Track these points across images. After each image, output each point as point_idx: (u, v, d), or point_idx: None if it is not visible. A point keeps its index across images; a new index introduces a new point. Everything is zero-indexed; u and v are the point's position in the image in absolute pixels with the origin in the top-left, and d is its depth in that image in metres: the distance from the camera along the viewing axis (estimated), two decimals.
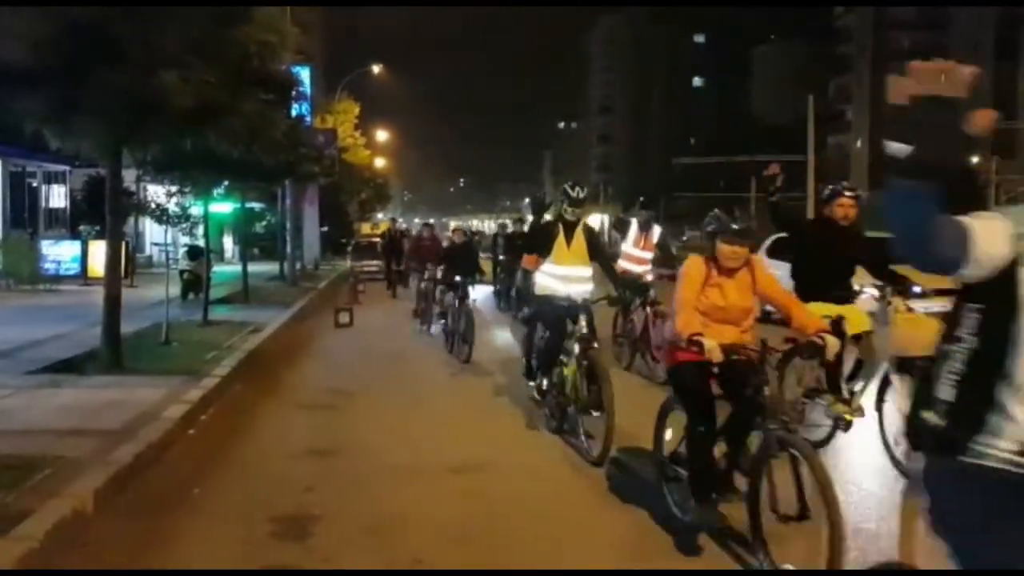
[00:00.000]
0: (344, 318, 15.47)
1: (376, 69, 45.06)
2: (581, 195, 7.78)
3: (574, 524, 5.30)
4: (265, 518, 5.25)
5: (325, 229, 40.11)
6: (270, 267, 27.33)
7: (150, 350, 10.70)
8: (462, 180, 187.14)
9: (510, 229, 18.91)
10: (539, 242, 8.01)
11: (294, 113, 17.94)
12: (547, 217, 9.11)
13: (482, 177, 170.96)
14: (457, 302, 12.14)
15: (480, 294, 18.46)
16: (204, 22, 8.41)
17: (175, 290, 15.09)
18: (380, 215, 67.48)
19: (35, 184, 25.03)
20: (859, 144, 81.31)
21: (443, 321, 12.95)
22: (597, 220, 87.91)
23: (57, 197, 26.43)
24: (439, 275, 13.40)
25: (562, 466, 6.58)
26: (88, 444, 6.22)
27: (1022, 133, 68.16)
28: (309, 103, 27.85)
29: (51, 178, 25.56)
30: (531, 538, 5.05)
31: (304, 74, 25.27)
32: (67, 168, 24.73)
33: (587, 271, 7.83)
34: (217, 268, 18.96)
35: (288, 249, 26.23)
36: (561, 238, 7.74)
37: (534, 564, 4.65)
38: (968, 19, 76.21)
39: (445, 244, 14.98)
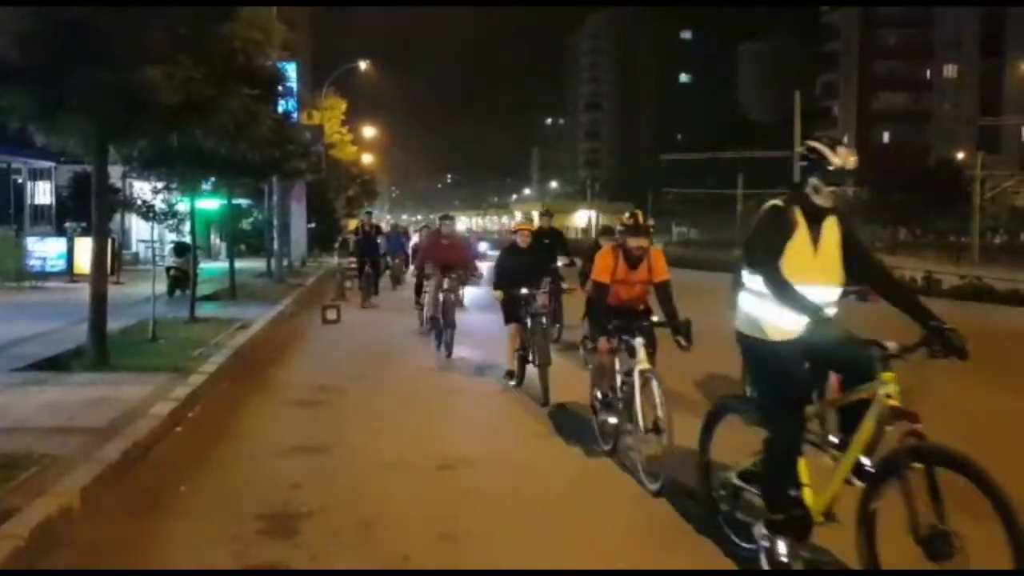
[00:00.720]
0: (331, 315, 15.46)
1: (363, 66, 44.99)
2: (850, 162, 4.37)
3: (564, 521, 5.31)
4: (253, 515, 5.24)
5: (312, 226, 40.00)
6: (257, 264, 27.24)
7: (137, 347, 10.65)
8: (449, 176, 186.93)
9: (536, 224, 14.02)
10: (769, 239, 4.43)
11: (280, 109, 17.88)
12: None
13: (469, 174, 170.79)
14: (530, 322, 9.13)
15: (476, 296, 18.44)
16: (190, 19, 8.38)
17: (161, 287, 15.03)
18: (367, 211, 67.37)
19: (20, 180, 24.88)
20: (845, 140, 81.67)
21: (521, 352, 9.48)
22: (584, 217, 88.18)
23: (43, 194, 26.29)
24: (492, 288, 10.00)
25: (553, 463, 6.59)
26: (74, 442, 6.19)
27: (1007, 129, 68.61)
28: (296, 99, 27.78)
29: (36, 175, 25.42)
30: (521, 535, 5.05)
31: (290, 70, 25.18)
32: (52, 164, 24.59)
33: (836, 292, 4.49)
34: (204, 265, 18.90)
35: (275, 246, 26.15)
36: (803, 234, 4.40)
37: (523, 561, 4.66)
38: (954, 17, 76.66)
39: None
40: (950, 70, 79.72)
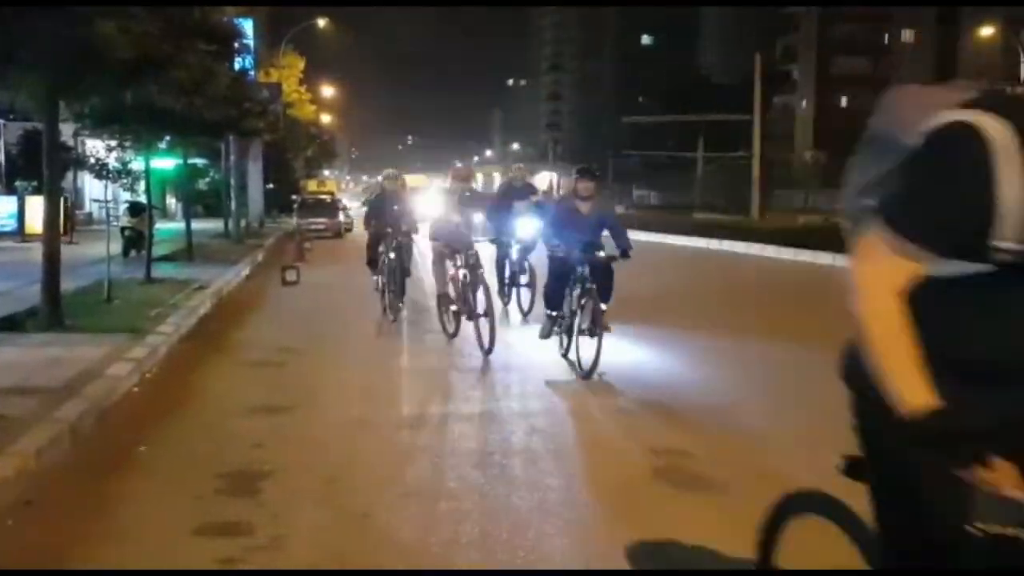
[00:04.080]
0: (291, 276, 15.32)
1: (321, 23, 44.29)
2: None
3: (530, 476, 5.35)
4: (213, 474, 5.22)
5: (271, 186, 39.54)
6: (214, 225, 26.93)
7: (92, 308, 10.51)
8: (410, 138, 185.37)
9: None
10: None
11: (237, 66, 17.58)
12: None
13: (430, 135, 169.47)
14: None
15: None
16: None
17: (116, 247, 14.81)
18: (327, 172, 66.63)
19: None
20: (804, 104, 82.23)
21: None
22: (546, 179, 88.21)
23: None
24: None
25: (515, 420, 6.63)
26: (29, 402, 6.11)
27: None
28: (253, 56, 27.35)
29: None
30: (485, 492, 5.09)
31: (247, 26, 24.73)
32: (1, 122, 23.99)
33: None
34: (160, 225, 18.66)
35: (232, 206, 25.85)
36: None
37: (484, 519, 4.69)
38: None
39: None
40: (908, 35, 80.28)
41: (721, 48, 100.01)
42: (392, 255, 11.24)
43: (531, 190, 12.82)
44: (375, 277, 12.02)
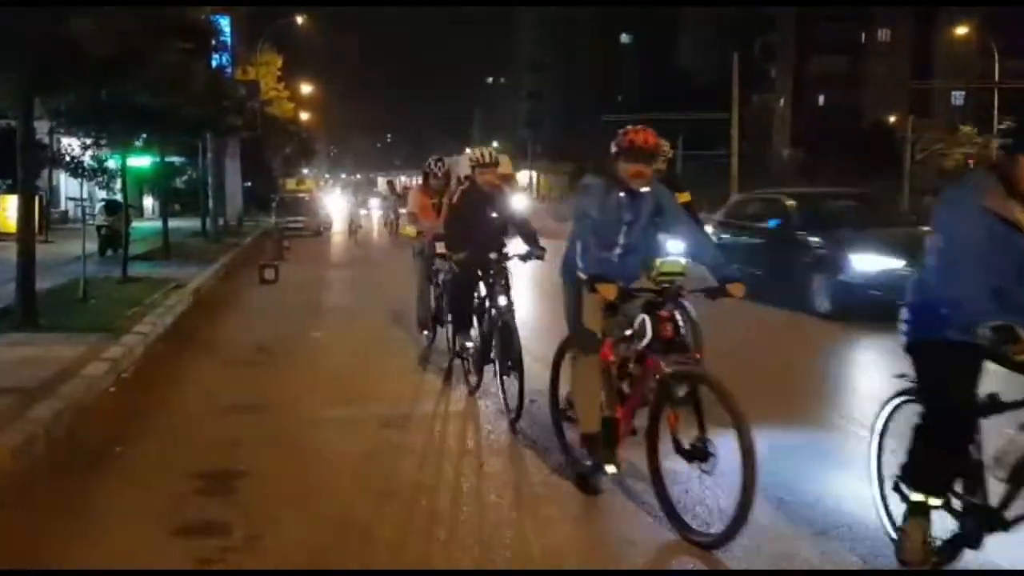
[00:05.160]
0: (269, 274, 15.23)
1: (299, 20, 44.00)
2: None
3: (502, 475, 5.36)
4: (189, 475, 5.19)
5: (248, 184, 39.32)
6: (192, 223, 26.76)
7: (67, 307, 10.42)
8: (389, 135, 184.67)
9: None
10: None
11: (215, 64, 17.49)
12: None
13: (409, 133, 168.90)
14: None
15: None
16: None
17: (92, 246, 14.69)
18: (305, 170, 66.30)
19: None
20: (782, 103, 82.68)
21: None
22: (524, 177, 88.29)
23: None
24: None
25: (491, 417, 6.62)
26: (3, 402, 6.05)
27: (937, 93, 70.22)
28: (230, 54, 27.21)
29: None
30: (463, 490, 5.09)
31: (224, 24, 24.59)
32: None
33: None
34: (136, 224, 18.54)
35: (210, 204, 25.70)
36: None
37: (462, 516, 4.69)
38: None
39: None
40: (885, 34, 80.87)
41: (700, 47, 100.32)
42: (503, 301, 6.58)
43: (673, 182, 6.72)
44: (458, 357, 7.56)
